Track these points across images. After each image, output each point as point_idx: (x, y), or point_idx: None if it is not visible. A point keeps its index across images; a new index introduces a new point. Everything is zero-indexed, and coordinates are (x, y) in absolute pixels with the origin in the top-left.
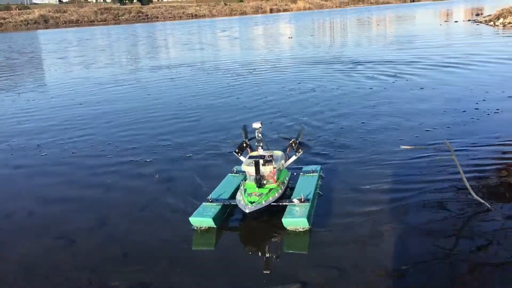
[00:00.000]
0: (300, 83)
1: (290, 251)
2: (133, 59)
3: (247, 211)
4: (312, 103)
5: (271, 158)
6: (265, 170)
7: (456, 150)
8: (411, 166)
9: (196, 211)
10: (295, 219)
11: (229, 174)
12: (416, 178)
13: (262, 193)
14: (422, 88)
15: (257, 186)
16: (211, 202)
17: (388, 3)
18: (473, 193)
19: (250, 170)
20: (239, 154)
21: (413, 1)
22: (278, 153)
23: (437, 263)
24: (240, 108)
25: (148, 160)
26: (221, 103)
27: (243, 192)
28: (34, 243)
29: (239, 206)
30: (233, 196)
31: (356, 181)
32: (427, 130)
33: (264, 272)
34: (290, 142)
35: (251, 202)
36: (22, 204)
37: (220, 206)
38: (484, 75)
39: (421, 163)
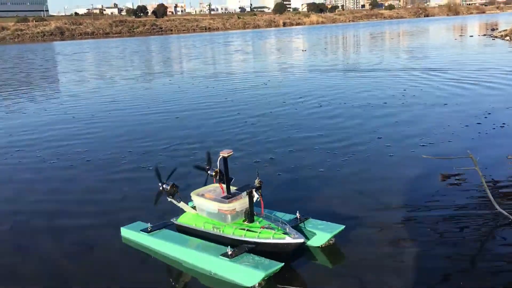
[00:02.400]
0: (303, 97)
1: (316, 263)
2: (148, 71)
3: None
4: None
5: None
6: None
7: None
8: (433, 178)
9: None
10: None
11: None
12: (439, 191)
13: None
14: (433, 104)
15: (249, 221)
16: None
17: (401, 17)
18: (496, 205)
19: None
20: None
21: (427, 16)
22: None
23: (460, 275)
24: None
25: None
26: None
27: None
28: None
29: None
30: None
31: (376, 193)
32: (449, 141)
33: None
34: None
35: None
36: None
37: None
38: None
39: (444, 174)
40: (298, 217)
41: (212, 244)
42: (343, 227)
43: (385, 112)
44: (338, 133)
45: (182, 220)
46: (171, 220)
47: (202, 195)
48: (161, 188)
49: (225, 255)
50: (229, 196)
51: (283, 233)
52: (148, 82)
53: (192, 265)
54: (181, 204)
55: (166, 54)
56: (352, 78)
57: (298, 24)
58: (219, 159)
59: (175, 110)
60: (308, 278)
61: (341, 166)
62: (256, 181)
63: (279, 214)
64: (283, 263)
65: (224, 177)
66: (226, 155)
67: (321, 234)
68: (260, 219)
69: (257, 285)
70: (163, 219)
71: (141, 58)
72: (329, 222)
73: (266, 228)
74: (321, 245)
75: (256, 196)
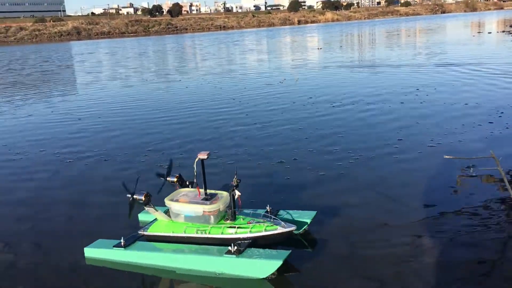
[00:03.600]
0: (312, 96)
1: (337, 263)
2: (159, 71)
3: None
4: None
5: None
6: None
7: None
8: (453, 177)
9: None
10: None
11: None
12: (459, 190)
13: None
14: (453, 104)
15: (232, 219)
16: None
17: (417, 14)
18: None
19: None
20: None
21: (443, 12)
22: (222, 193)
23: (482, 279)
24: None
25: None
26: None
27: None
28: None
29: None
30: None
31: (395, 191)
32: (471, 140)
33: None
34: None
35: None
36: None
37: None
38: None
39: (464, 175)
40: (269, 210)
41: (201, 246)
42: (315, 212)
43: (402, 109)
44: (354, 132)
45: (155, 230)
46: (140, 233)
47: (177, 200)
48: (131, 199)
49: (229, 253)
50: (209, 198)
51: (273, 225)
52: (157, 83)
53: (194, 270)
54: (158, 213)
55: (179, 53)
56: (368, 75)
57: (313, 22)
58: (196, 160)
59: (180, 111)
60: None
61: (358, 166)
62: (234, 180)
63: (247, 211)
64: (291, 250)
65: (203, 179)
66: (203, 157)
67: (298, 222)
68: (241, 216)
69: (270, 275)
70: (122, 234)
71: (154, 57)
72: (300, 210)
73: (255, 223)
74: (300, 232)
75: (237, 194)
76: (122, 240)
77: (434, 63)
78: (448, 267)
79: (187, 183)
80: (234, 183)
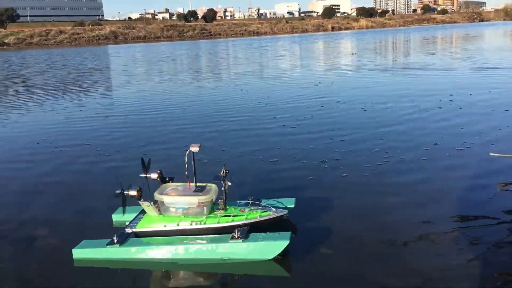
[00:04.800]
0: (348, 98)
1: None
2: (192, 74)
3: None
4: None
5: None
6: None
7: None
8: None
9: None
10: None
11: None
12: (497, 196)
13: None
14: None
15: (223, 209)
16: None
17: (454, 22)
18: None
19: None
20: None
21: (482, 21)
22: (211, 185)
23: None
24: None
25: None
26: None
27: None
28: None
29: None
30: None
31: (435, 186)
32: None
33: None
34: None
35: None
36: None
37: None
38: None
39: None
40: (250, 200)
41: (203, 236)
42: (294, 199)
43: (440, 112)
44: (389, 134)
45: (145, 226)
46: (128, 230)
47: (168, 194)
48: (123, 195)
49: (234, 238)
50: (200, 189)
51: (266, 211)
52: (190, 83)
53: (199, 259)
54: (152, 207)
55: (213, 57)
56: (402, 78)
57: (347, 28)
58: (187, 153)
59: (208, 116)
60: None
61: (393, 166)
62: (223, 171)
63: (231, 202)
64: (291, 231)
65: (193, 171)
66: (195, 149)
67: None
68: (231, 206)
69: (277, 256)
70: (98, 236)
71: (187, 61)
72: (280, 198)
73: (248, 210)
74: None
75: (228, 184)
76: (114, 238)
77: (470, 67)
78: (490, 264)
79: (167, 179)
80: (223, 174)
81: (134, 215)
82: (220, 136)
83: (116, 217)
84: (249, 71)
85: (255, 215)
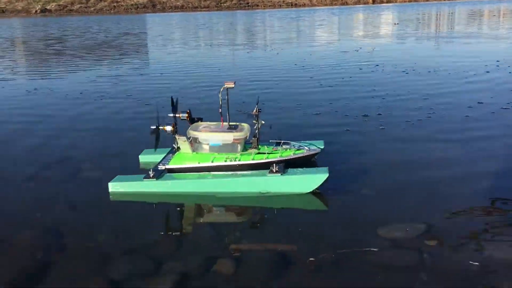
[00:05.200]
0: (388, 63)
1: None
2: (229, 42)
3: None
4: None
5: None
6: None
7: None
8: None
9: None
10: None
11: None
12: None
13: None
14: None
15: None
16: None
17: None
18: None
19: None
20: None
21: None
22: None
23: None
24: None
25: None
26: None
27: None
28: None
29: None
30: None
31: (475, 144)
32: None
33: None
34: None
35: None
36: None
37: None
38: None
39: None
40: (281, 140)
41: (232, 172)
42: (322, 141)
43: (486, 75)
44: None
45: (178, 163)
46: (160, 167)
47: (201, 131)
48: (159, 129)
49: (272, 172)
50: (233, 127)
51: (298, 149)
52: (223, 49)
53: (237, 192)
54: (187, 143)
55: (250, 25)
56: (448, 46)
57: (388, 1)
58: (221, 89)
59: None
60: None
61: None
62: (255, 109)
63: (262, 142)
64: (327, 166)
65: (227, 109)
66: (230, 86)
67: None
68: (264, 145)
69: (315, 189)
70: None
71: (224, 29)
72: (308, 140)
73: (281, 149)
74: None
75: (262, 122)
76: (150, 172)
77: None
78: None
79: (196, 119)
80: (256, 112)
81: (161, 156)
82: (258, 93)
83: (143, 158)
84: (286, 38)
85: (289, 153)
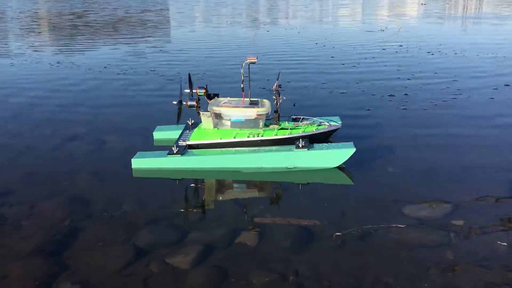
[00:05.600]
0: (412, 44)
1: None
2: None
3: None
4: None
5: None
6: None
7: None
8: None
9: None
10: None
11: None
12: None
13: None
14: None
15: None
16: None
17: None
18: None
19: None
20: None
21: None
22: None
23: None
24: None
25: None
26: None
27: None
28: None
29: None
30: None
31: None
32: None
33: None
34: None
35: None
36: None
37: None
38: None
39: None
40: (301, 116)
41: (264, 147)
42: (338, 117)
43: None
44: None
45: (200, 139)
46: (180, 143)
47: (223, 107)
48: (182, 104)
49: (299, 148)
50: (254, 103)
51: (321, 124)
52: (243, 27)
53: (263, 168)
54: (211, 118)
55: (272, 3)
56: (476, 27)
57: None
58: (244, 63)
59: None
60: None
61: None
62: (275, 85)
63: (282, 118)
64: (352, 141)
65: (249, 85)
66: (253, 60)
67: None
68: (285, 121)
69: (341, 165)
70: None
71: (246, 5)
72: (324, 116)
73: (303, 124)
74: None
75: (282, 98)
76: (174, 148)
77: None
78: None
79: (212, 95)
80: (276, 88)
81: (174, 132)
82: (279, 70)
83: (157, 135)
84: (307, 17)
85: (311, 128)
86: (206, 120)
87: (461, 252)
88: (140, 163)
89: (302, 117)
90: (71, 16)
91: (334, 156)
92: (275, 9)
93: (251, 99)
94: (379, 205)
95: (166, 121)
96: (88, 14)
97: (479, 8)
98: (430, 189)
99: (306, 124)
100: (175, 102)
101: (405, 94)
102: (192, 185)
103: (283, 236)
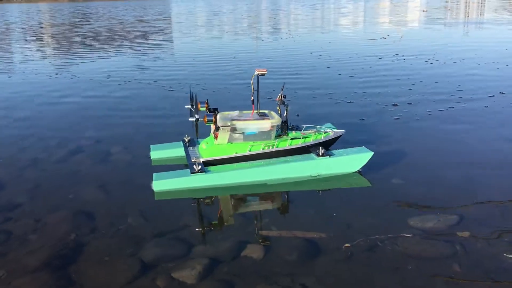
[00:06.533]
0: (412, 52)
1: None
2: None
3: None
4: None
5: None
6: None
7: None
8: None
9: None
10: None
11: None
12: None
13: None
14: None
15: (285, 132)
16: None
17: None
18: None
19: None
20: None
21: None
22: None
23: None
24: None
25: None
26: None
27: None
28: None
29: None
30: None
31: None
32: None
33: None
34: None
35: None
36: None
37: None
38: None
39: None
40: (303, 126)
41: (285, 157)
42: (330, 123)
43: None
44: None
45: (214, 154)
46: (193, 161)
47: (236, 120)
48: (198, 121)
49: (319, 156)
50: (264, 114)
51: (326, 131)
52: (239, 36)
53: (287, 178)
54: (228, 132)
55: (272, 11)
56: (475, 34)
57: None
58: (253, 76)
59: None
60: None
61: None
62: (279, 96)
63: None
64: (363, 146)
65: (257, 96)
66: (260, 73)
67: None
68: (291, 131)
69: (360, 169)
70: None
71: (248, 15)
72: (323, 124)
73: (311, 132)
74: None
75: (286, 108)
76: (196, 167)
77: None
78: None
79: (212, 110)
80: (280, 98)
81: (172, 150)
82: (278, 81)
83: (155, 154)
84: (306, 26)
85: (319, 136)
86: (224, 135)
87: (467, 264)
88: (162, 185)
89: (304, 126)
90: (68, 27)
91: (354, 161)
92: (275, 18)
93: (260, 111)
94: (385, 218)
95: (154, 140)
96: (90, 25)
97: (480, 14)
98: (436, 199)
99: (312, 132)
100: (192, 119)
101: (409, 103)
102: (199, 199)
103: (289, 249)
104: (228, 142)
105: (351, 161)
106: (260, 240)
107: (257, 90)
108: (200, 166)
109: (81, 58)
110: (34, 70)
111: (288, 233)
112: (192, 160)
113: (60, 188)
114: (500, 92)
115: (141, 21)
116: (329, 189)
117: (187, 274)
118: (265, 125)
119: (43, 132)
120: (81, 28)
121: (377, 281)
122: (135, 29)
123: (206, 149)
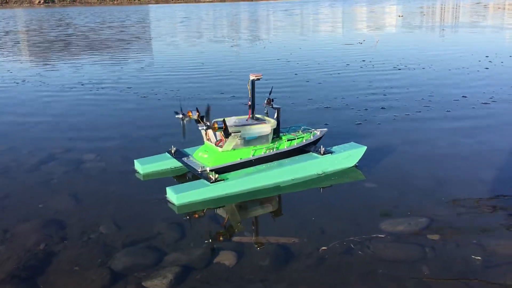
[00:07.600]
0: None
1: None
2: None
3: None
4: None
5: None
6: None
7: None
8: None
9: None
10: None
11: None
12: None
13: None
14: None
15: (278, 135)
16: None
17: None
18: None
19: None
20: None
21: None
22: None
23: None
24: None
25: None
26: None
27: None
28: None
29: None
30: None
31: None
32: None
33: None
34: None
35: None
36: None
37: None
38: None
39: None
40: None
41: (289, 159)
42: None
43: (474, 71)
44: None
45: (220, 162)
46: (200, 170)
47: (238, 126)
48: (207, 126)
49: (321, 154)
50: (259, 119)
51: (313, 131)
52: (212, 43)
53: (297, 178)
54: (235, 138)
55: (251, 17)
56: (449, 40)
57: None
58: (249, 81)
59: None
60: None
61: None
62: (267, 100)
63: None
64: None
65: (253, 101)
66: (255, 77)
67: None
68: (282, 132)
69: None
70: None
71: (228, 22)
72: (302, 124)
73: (301, 133)
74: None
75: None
76: (213, 176)
77: None
78: None
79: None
80: (270, 102)
81: (159, 163)
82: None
83: (144, 169)
84: (282, 31)
85: (308, 136)
86: (232, 142)
87: (436, 266)
88: (184, 198)
89: (288, 127)
90: (37, 32)
91: (351, 157)
92: (253, 23)
93: (256, 115)
94: (356, 222)
95: (140, 154)
96: (66, 31)
97: (455, 20)
98: (406, 202)
99: (300, 133)
100: (202, 128)
101: (382, 108)
102: (172, 206)
103: (262, 255)
104: (232, 149)
105: (349, 157)
106: (233, 247)
107: (253, 95)
108: (216, 175)
109: (52, 64)
110: (4, 76)
111: (261, 239)
112: (199, 170)
113: (30, 197)
114: (463, 96)
115: (115, 27)
116: (300, 195)
117: (158, 283)
118: (265, 129)
119: (12, 141)
120: (53, 34)
121: (349, 285)
122: (109, 35)
123: (210, 158)
